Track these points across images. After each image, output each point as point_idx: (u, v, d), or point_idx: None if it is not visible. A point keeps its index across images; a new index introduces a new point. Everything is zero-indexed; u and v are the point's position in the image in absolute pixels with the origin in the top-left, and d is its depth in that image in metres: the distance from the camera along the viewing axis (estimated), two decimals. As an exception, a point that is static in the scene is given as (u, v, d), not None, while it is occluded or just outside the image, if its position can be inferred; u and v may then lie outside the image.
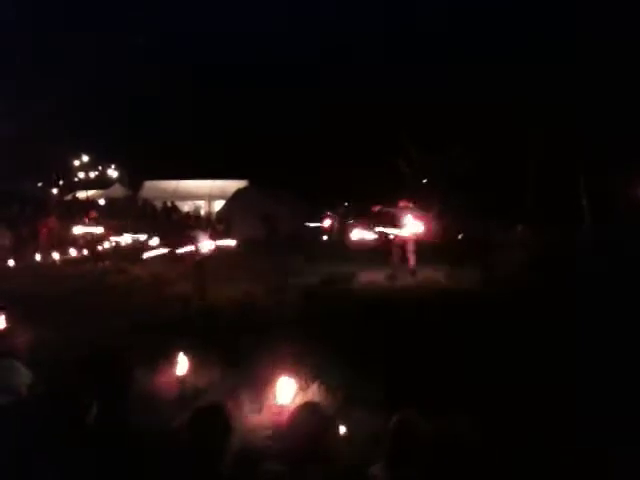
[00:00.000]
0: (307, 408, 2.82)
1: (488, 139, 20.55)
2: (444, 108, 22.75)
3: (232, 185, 28.21)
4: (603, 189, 18.11)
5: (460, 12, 29.16)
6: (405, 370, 5.35)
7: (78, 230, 16.41)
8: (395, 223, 11.81)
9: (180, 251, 11.03)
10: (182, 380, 4.94)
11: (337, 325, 7.17)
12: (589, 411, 4.26)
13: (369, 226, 12.93)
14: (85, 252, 16.16)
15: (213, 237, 15.51)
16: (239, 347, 6.13)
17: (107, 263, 14.69)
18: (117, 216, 20.53)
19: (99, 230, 16.24)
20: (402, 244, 11.81)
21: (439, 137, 21.16)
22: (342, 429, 3.59)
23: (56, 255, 15.50)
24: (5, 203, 21.47)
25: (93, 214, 17.04)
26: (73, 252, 16.09)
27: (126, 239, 16.66)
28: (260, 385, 4.83)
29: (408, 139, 22.35)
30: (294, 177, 26.63)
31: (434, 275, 11.37)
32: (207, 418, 2.63)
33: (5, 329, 6.49)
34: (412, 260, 11.71)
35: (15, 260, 14.61)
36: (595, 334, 6.00)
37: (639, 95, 18.16)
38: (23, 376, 3.71)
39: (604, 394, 4.49)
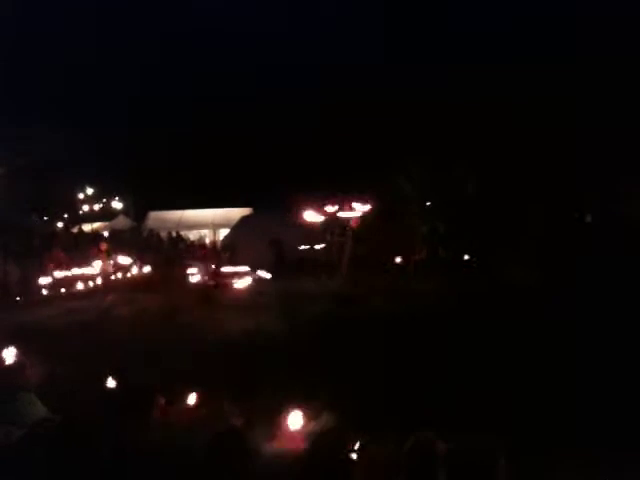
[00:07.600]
0: (324, 434, 2.83)
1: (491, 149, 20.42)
2: (443, 113, 22.67)
3: (236, 213, 28.27)
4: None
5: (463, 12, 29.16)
6: (421, 391, 5.33)
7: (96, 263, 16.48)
8: None
9: None
10: (196, 408, 4.92)
11: (350, 349, 7.18)
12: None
13: None
14: (92, 285, 16.20)
15: (218, 265, 15.62)
16: (253, 375, 6.11)
17: (114, 294, 14.68)
18: (123, 247, 20.58)
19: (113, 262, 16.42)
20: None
21: (440, 148, 21.12)
22: (358, 454, 3.55)
23: (63, 288, 15.54)
24: (12, 238, 21.49)
25: (104, 246, 17.08)
26: (80, 285, 16.12)
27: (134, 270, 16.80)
28: (275, 412, 4.80)
29: (409, 155, 22.39)
30: (296, 200, 26.59)
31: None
32: (226, 443, 2.63)
33: (17, 363, 6.46)
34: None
35: (23, 295, 14.62)
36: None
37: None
38: (39, 409, 3.72)
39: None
